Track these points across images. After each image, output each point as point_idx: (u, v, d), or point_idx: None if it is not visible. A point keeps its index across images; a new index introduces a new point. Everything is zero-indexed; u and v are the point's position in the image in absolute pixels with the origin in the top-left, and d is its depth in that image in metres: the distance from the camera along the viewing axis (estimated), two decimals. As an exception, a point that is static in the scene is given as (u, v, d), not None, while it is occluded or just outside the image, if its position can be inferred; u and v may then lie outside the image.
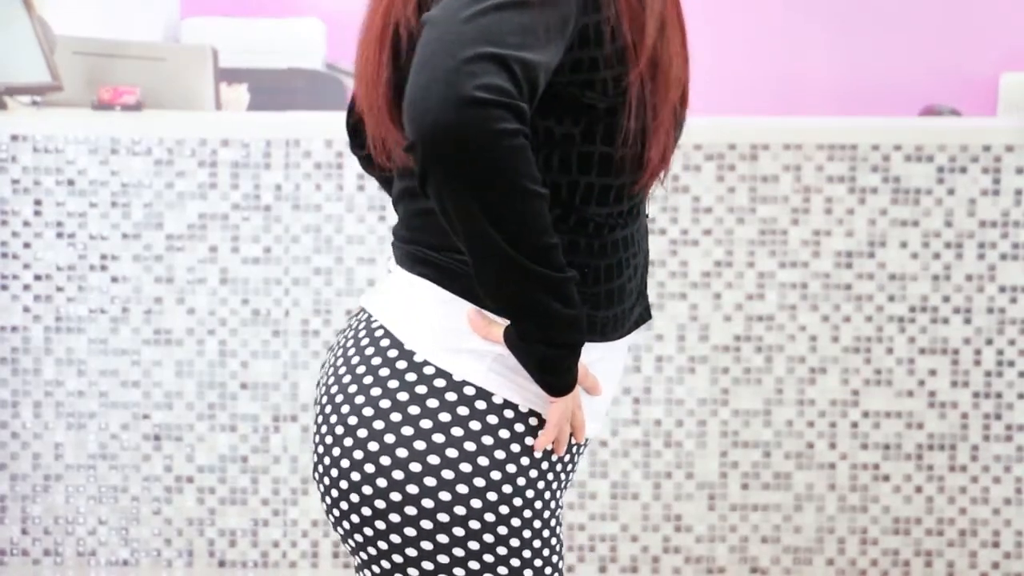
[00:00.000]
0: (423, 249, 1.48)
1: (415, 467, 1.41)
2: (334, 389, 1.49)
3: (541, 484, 1.45)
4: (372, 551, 1.44)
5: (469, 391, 1.44)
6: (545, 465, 1.47)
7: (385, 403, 1.43)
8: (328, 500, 1.48)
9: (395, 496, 1.41)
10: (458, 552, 1.41)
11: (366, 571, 1.49)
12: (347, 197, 3.25)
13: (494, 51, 1.28)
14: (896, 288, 3.24)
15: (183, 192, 3.26)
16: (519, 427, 1.44)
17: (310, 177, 3.25)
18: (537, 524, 1.44)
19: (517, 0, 1.31)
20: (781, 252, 3.22)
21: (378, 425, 1.43)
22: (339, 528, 1.48)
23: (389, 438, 1.42)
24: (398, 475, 1.41)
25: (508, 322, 1.42)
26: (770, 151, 3.24)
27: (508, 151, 1.29)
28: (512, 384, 1.44)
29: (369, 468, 1.42)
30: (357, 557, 1.49)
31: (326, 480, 1.47)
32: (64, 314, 3.27)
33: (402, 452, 1.41)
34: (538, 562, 1.43)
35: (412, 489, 1.41)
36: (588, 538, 3.27)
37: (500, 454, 1.42)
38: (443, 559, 1.41)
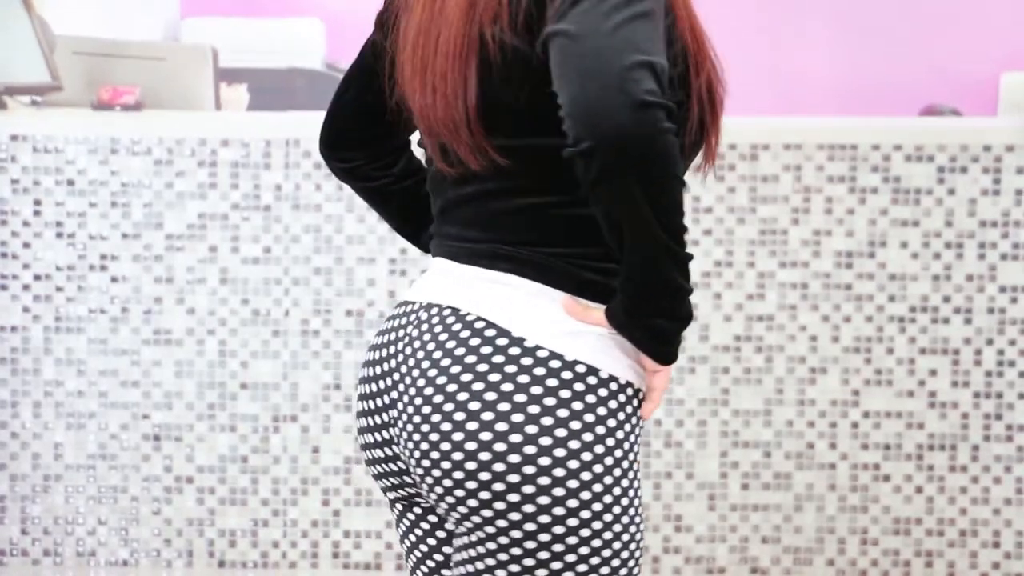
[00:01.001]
0: (504, 246, 1.61)
1: (545, 440, 1.55)
2: (442, 379, 1.58)
3: (636, 447, 1.64)
4: (502, 523, 1.57)
5: (581, 369, 1.58)
6: (638, 430, 1.65)
7: (507, 387, 1.56)
8: (447, 483, 1.58)
9: (528, 469, 1.54)
10: (584, 514, 1.56)
11: (488, 545, 1.60)
12: (347, 197, 3.25)
13: (644, 58, 1.44)
14: (896, 288, 3.24)
15: (183, 192, 3.26)
16: (621, 398, 1.60)
17: (310, 177, 3.25)
18: (636, 484, 1.62)
19: (643, 11, 1.46)
20: (781, 252, 3.22)
21: (504, 407, 1.55)
22: (459, 509, 1.59)
23: (517, 417, 1.55)
24: (530, 450, 1.55)
25: (601, 305, 1.59)
26: (770, 151, 3.23)
27: (670, 146, 1.47)
28: (612, 359, 1.59)
29: (500, 447, 1.55)
30: (478, 533, 1.60)
31: (444, 464, 1.58)
32: (64, 314, 3.27)
33: (532, 428, 1.55)
34: (638, 519, 1.61)
35: (544, 461, 1.54)
36: (588, 538, 3.27)
37: (612, 423, 1.58)
38: (572, 522, 1.56)
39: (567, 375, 1.57)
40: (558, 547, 1.56)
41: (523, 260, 1.61)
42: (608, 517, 1.57)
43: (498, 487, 1.55)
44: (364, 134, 1.84)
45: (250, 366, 3.27)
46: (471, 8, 1.57)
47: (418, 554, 1.74)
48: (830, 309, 3.24)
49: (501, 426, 1.55)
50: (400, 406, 1.63)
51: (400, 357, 1.65)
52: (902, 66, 4.55)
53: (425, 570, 1.73)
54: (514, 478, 1.55)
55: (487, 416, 1.55)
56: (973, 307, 3.23)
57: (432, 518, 1.71)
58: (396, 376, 1.65)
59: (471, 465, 1.56)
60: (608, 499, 1.57)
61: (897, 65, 4.55)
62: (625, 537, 1.59)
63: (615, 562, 1.58)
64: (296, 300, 3.26)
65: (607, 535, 1.57)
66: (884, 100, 4.17)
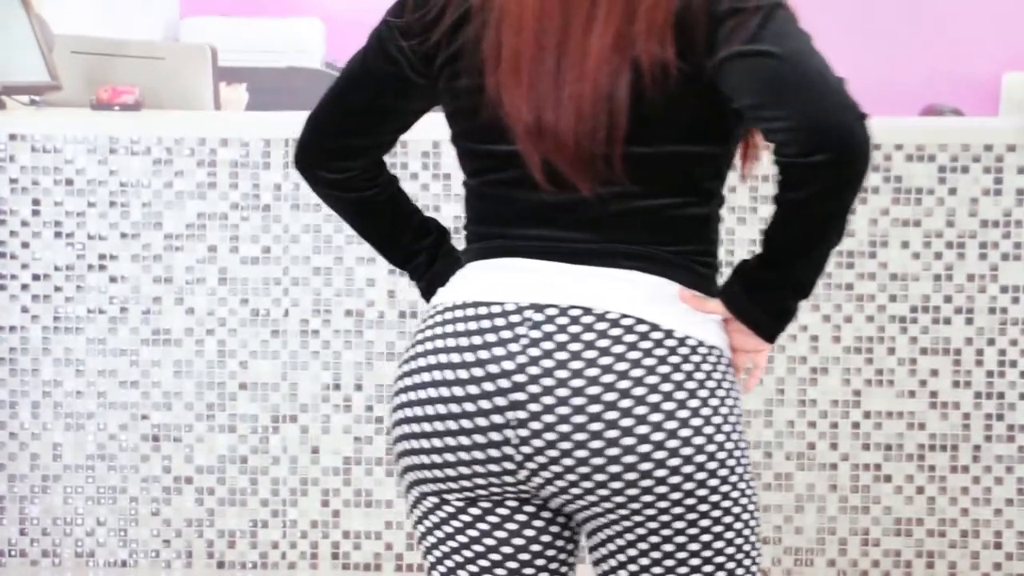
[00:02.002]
0: (625, 245, 1.70)
1: (717, 419, 1.67)
2: (609, 378, 1.64)
3: None
4: (691, 501, 1.66)
5: (717, 352, 1.71)
6: None
7: (678, 376, 1.66)
8: (631, 475, 1.65)
9: (711, 448, 1.66)
10: (741, 485, 1.70)
11: (664, 533, 1.68)
12: (346, 197, 3.24)
13: (840, 76, 1.62)
14: (898, 288, 3.23)
15: (182, 192, 3.25)
16: (735, 375, 1.76)
17: (309, 177, 3.24)
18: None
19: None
20: (782, 252, 3.21)
21: (680, 395, 1.65)
22: (640, 500, 1.66)
23: (694, 403, 1.66)
24: (709, 430, 1.66)
25: (706, 296, 1.71)
26: (771, 151, 3.22)
27: None
28: (725, 342, 1.73)
29: (685, 432, 1.65)
30: (659, 519, 1.67)
31: (628, 459, 1.64)
32: (62, 314, 3.26)
33: (707, 411, 1.66)
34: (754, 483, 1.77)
35: (720, 438, 1.67)
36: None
37: (740, 394, 1.74)
38: (739, 487, 1.69)
39: (712, 359, 1.69)
40: (728, 518, 1.69)
41: (648, 257, 1.70)
42: (749, 490, 1.72)
43: (688, 469, 1.65)
44: (368, 142, 1.85)
45: (249, 366, 3.26)
46: (624, 37, 1.64)
47: (477, 553, 1.76)
48: (831, 309, 3.23)
49: (683, 413, 1.65)
50: (534, 408, 1.65)
51: (522, 359, 1.66)
52: (903, 66, 4.54)
53: (503, 572, 1.75)
54: (701, 458, 1.65)
55: (669, 406, 1.64)
56: (975, 307, 3.22)
57: (538, 523, 1.75)
58: (521, 377, 1.66)
59: (660, 455, 1.64)
60: (744, 471, 1.71)
61: (898, 65, 4.55)
62: (756, 498, 1.75)
63: (756, 513, 1.74)
64: (295, 300, 3.26)
65: (753, 496, 1.73)
66: (885, 100, 4.15)
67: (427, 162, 3.23)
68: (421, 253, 1.92)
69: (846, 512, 3.26)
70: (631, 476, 1.64)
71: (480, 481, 1.71)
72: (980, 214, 3.22)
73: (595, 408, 1.64)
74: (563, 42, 1.66)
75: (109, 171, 3.26)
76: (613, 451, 1.64)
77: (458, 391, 1.69)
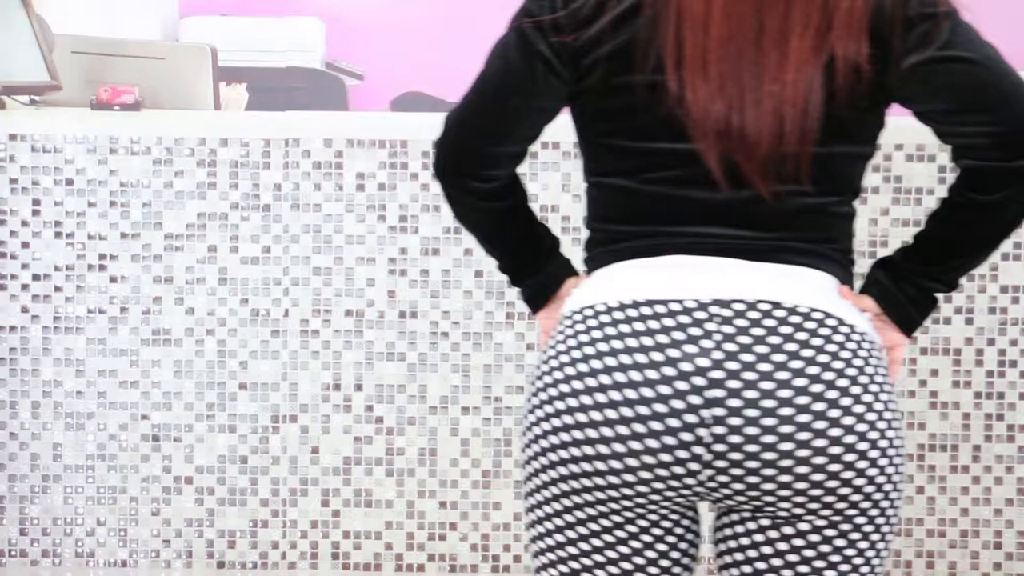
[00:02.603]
0: (795, 242, 1.72)
1: (894, 408, 1.72)
2: (813, 370, 1.65)
3: None
4: (868, 487, 1.68)
5: (881, 348, 1.76)
6: None
7: (870, 369, 1.69)
8: (834, 467, 1.65)
9: (895, 438, 1.71)
10: (899, 481, 1.73)
11: (845, 522, 1.69)
12: (346, 197, 3.24)
13: None
14: (898, 288, 3.23)
15: (182, 191, 3.25)
16: None
17: (309, 176, 3.24)
18: None
19: None
20: (782, 252, 3.21)
21: (874, 388, 1.69)
22: (838, 492, 1.67)
23: (884, 396, 1.70)
24: (897, 424, 1.71)
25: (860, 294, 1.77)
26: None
27: None
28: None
29: (881, 424, 1.69)
30: (845, 513, 1.68)
31: (834, 449, 1.64)
32: (62, 314, 3.26)
33: (893, 405, 1.72)
34: None
35: (903, 434, 1.73)
36: (588, 539, 3.26)
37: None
38: (898, 487, 1.73)
39: (880, 354, 1.74)
40: (895, 496, 1.73)
41: (814, 253, 1.73)
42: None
43: (873, 454, 1.67)
44: (515, 148, 1.82)
45: (249, 366, 3.26)
46: (823, 38, 1.64)
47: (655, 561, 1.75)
48: (831, 309, 3.23)
49: (878, 405, 1.68)
50: (734, 403, 1.62)
51: (718, 355, 1.63)
52: (903, 65, 4.51)
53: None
54: (885, 444, 1.68)
55: (867, 397, 1.67)
56: (974, 307, 3.22)
57: (687, 540, 1.74)
58: (719, 374, 1.63)
59: (863, 445, 1.66)
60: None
61: (898, 64, 4.52)
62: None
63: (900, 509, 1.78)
64: (295, 300, 3.26)
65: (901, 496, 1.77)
66: (885, 99, 4.14)
67: (427, 162, 3.22)
68: (540, 259, 1.90)
69: (846, 512, 3.25)
70: (835, 467, 1.64)
71: (658, 486, 1.65)
72: (980, 214, 3.22)
73: (803, 399, 1.63)
74: (758, 42, 1.65)
75: (109, 171, 3.26)
76: (820, 442, 1.63)
77: (646, 392, 1.63)
